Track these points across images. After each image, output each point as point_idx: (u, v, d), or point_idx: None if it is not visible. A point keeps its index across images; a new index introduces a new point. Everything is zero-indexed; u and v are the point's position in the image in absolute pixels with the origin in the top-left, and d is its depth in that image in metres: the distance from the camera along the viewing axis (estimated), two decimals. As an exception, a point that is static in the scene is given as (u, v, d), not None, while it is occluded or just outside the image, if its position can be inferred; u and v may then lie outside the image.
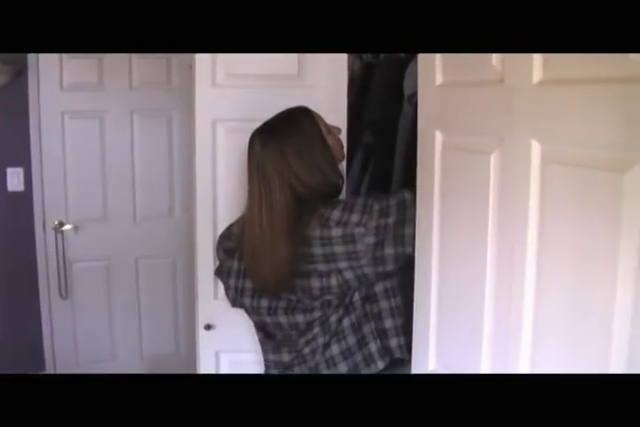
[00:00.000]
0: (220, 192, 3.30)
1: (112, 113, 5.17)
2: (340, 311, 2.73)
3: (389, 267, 2.64)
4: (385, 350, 2.78)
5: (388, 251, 2.59)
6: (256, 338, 3.00)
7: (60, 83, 5.04)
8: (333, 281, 2.66)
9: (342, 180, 2.80)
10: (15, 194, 5.07)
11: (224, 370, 3.50)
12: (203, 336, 3.46)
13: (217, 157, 3.30)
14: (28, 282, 5.19)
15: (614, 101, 1.56)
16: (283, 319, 2.79)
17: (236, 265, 2.87)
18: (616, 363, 1.61)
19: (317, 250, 2.62)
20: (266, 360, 2.95)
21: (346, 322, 2.75)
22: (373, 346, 2.77)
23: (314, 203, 2.65)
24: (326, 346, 2.75)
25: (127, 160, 5.23)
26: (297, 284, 2.69)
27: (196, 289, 3.47)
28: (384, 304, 2.77)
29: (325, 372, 2.77)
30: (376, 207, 2.58)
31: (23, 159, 5.04)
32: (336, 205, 2.62)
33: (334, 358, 2.77)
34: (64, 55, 4.96)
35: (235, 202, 3.23)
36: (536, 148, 1.84)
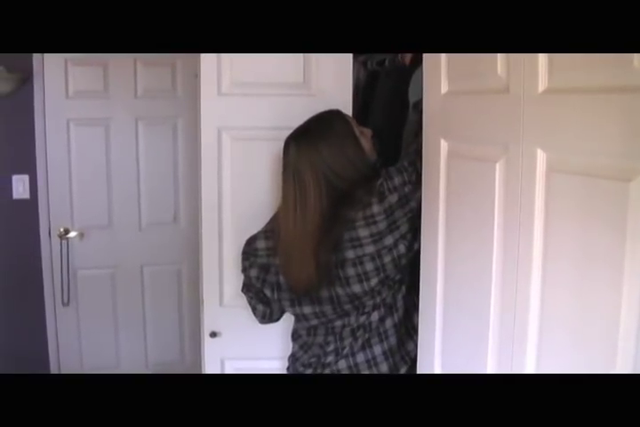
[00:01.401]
0: (226, 200, 3.31)
1: (117, 121, 5.18)
2: (383, 310, 2.81)
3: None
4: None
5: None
6: (260, 345, 3.02)
7: (65, 90, 5.05)
8: (386, 259, 2.71)
9: (377, 176, 2.79)
10: (20, 201, 5.08)
11: (229, 378, 3.50)
12: (208, 344, 3.46)
13: (222, 164, 3.29)
14: (33, 289, 5.19)
15: (619, 110, 1.56)
16: (336, 321, 2.86)
17: (274, 278, 2.91)
18: (622, 364, 1.61)
19: (383, 224, 2.68)
20: (300, 359, 3.00)
21: (389, 322, 2.83)
22: (416, 317, 2.79)
23: (357, 189, 2.73)
24: (381, 319, 2.82)
25: (132, 168, 5.24)
26: (346, 275, 2.76)
27: (201, 296, 3.47)
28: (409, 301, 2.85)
29: (377, 346, 2.83)
30: (405, 163, 2.73)
31: (28, 166, 5.05)
32: (374, 183, 2.71)
33: (376, 358, 2.82)
34: (69, 63, 4.97)
35: (240, 209, 3.24)
36: (541, 156, 1.84)
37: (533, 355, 1.94)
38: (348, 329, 2.84)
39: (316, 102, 3.19)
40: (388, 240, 2.68)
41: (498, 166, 2.02)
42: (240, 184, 3.29)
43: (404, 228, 2.68)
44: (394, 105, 3.65)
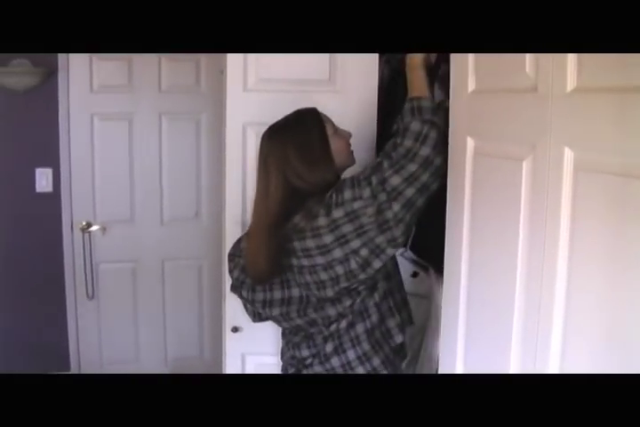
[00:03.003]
0: (249, 195, 3.31)
1: (141, 115, 5.19)
2: (351, 317, 2.79)
3: (397, 232, 2.61)
4: (403, 324, 2.90)
5: (388, 214, 2.57)
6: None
7: (89, 85, 5.06)
8: (339, 271, 2.68)
9: (336, 180, 2.78)
10: (43, 195, 5.10)
11: (249, 373, 3.51)
12: (229, 339, 3.48)
13: (246, 160, 3.32)
14: (54, 283, 5.21)
15: (649, 110, 1.56)
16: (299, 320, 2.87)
17: (249, 280, 2.94)
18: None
19: (328, 238, 2.63)
20: (285, 356, 3.04)
21: (360, 328, 2.81)
22: (392, 322, 2.85)
23: (312, 197, 2.70)
24: (351, 325, 2.80)
25: (155, 162, 5.25)
26: (305, 281, 2.77)
27: (223, 291, 3.47)
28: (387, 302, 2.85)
29: (351, 351, 2.81)
30: (361, 177, 2.59)
31: (52, 160, 5.07)
32: (329, 192, 2.64)
33: (351, 362, 2.81)
34: (94, 57, 4.99)
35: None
36: (569, 155, 1.83)
37: (557, 355, 1.93)
38: (320, 336, 2.85)
39: (342, 99, 3.20)
40: (338, 253, 2.65)
41: (524, 165, 2.02)
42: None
43: (354, 244, 2.62)
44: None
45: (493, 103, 2.22)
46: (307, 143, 2.74)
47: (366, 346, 2.80)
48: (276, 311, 2.87)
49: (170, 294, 5.44)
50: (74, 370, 5.34)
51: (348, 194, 2.58)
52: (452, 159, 2.48)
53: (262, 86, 3.26)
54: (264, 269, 2.80)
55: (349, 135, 2.90)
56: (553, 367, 1.95)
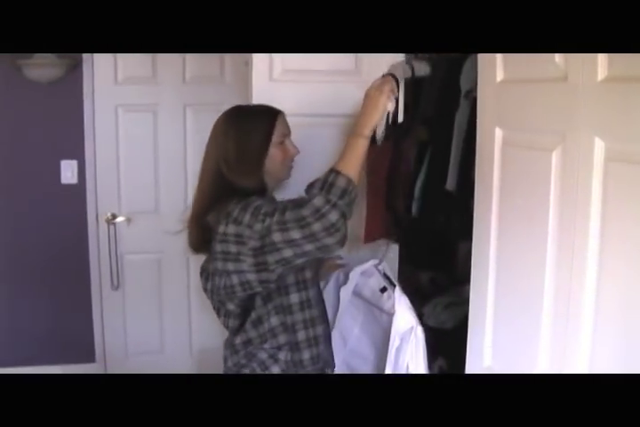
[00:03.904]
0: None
1: (165, 107, 5.18)
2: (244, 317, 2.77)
3: (272, 276, 2.58)
4: (294, 363, 2.79)
5: (270, 258, 2.51)
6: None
7: (114, 76, 5.06)
8: (222, 282, 2.69)
9: (263, 187, 2.77)
10: (69, 186, 5.11)
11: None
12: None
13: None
14: (79, 274, 5.23)
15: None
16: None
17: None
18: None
19: (217, 246, 2.63)
20: None
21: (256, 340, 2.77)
22: (306, 353, 2.80)
23: (234, 197, 2.66)
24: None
25: (179, 153, 5.23)
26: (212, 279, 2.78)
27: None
28: (298, 316, 2.78)
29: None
30: (263, 210, 2.50)
31: (77, 152, 5.08)
32: (241, 202, 2.59)
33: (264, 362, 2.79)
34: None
35: (288, 196, 3.24)
36: (599, 145, 1.82)
37: (587, 350, 1.92)
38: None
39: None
40: (219, 265, 2.66)
41: (554, 155, 2.01)
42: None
43: (230, 266, 2.62)
44: (445, 93, 3.63)
45: (522, 93, 2.20)
46: (246, 140, 2.71)
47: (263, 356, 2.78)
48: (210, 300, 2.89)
49: (195, 285, 5.42)
50: (99, 361, 5.35)
51: (247, 217, 2.52)
52: (480, 150, 2.47)
53: (288, 77, 3.26)
54: (195, 242, 2.85)
55: (296, 151, 2.85)
56: (581, 363, 1.94)
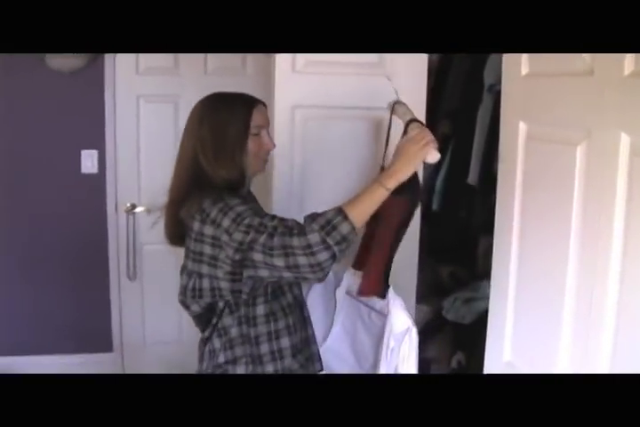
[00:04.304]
0: (297, 178, 3.31)
1: (186, 98, 5.13)
2: (210, 330, 2.69)
3: (245, 287, 2.53)
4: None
5: (245, 272, 2.46)
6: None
7: (135, 67, 5.05)
8: (190, 283, 2.63)
9: (240, 179, 2.68)
10: (89, 176, 5.12)
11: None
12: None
13: (295, 142, 3.31)
14: (98, 264, 5.23)
15: None
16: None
17: None
18: None
19: (192, 244, 2.59)
20: None
21: (217, 343, 2.69)
22: (274, 365, 2.69)
23: (205, 191, 2.59)
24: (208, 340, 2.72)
25: (200, 145, 5.22)
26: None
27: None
28: (262, 328, 2.67)
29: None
30: (247, 221, 2.41)
31: (97, 142, 5.08)
32: (218, 202, 2.51)
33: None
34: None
35: (311, 188, 3.24)
36: (625, 140, 1.81)
37: (608, 349, 1.91)
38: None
39: (391, 82, 3.17)
40: (190, 265, 2.62)
41: (579, 150, 1.99)
42: (312, 162, 3.30)
43: (204, 268, 2.56)
44: (468, 86, 3.63)
45: (547, 87, 2.19)
46: (222, 130, 2.62)
47: (222, 358, 2.70)
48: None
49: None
50: (116, 351, 5.36)
51: (226, 222, 2.44)
52: (503, 144, 2.45)
53: (311, 69, 3.25)
54: (172, 235, 2.80)
55: (272, 145, 2.75)
56: (603, 361, 1.93)
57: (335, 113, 3.16)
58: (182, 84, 5.12)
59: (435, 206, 3.90)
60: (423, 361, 3.89)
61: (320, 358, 2.90)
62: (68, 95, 4.99)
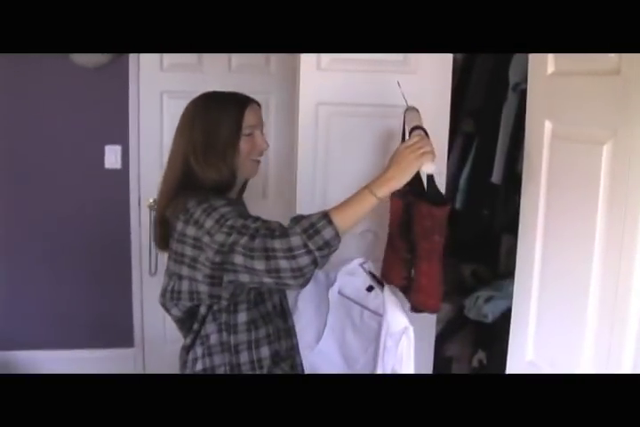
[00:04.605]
0: (321, 175, 3.31)
1: (210, 94, 5.18)
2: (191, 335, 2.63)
3: (224, 293, 2.46)
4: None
5: (225, 276, 2.38)
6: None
7: (160, 63, 5.06)
8: (170, 285, 2.57)
9: (230, 181, 2.64)
10: (112, 171, 5.13)
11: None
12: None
13: (319, 140, 3.30)
14: (120, 259, 5.25)
15: None
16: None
17: None
18: None
19: (174, 245, 2.52)
20: None
21: (199, 351, 2.62)
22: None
23: (191, 191, 2.53)
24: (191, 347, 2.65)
25: (223, 142, 5.23)
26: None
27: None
28: (242, 337, 2.58)
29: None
30: (230, 222, 2.33)
31: (121, 137, 5.09)
32: (203, 203, 2.44)
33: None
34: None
35: (334, 185, 3.24)
36: (651, 139, 1.81)
37: (632, 349, 1.90)
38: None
39: (416, 80, 3.17)
40: (171, 266, 2.56)
41: (605, 149, 1.98)
42: (336, 160, 3.29)
43: (184, 270, 2.49)
44: (493, 85, 3.62)
45: (573, 86, 2.18)
46: (213, 130, 2.57)
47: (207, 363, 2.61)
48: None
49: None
50: (137, 346, 5.38)
51: (209, 223, 2.36)
52: (528, 143, 2.45)
53: (336, 66, 3.24)
54: (158, 238, 2.72)
55: (265, 146, 2.70)
56: (626, 366, 1.92)
57: (359, 110, 3.15)
58: (206, 81, 5.09)
59: (458, 205, 3.90)
60: (444, 360, 3.91)
61: (303, 369, 2.83)
62: (93, 91, 5.00)
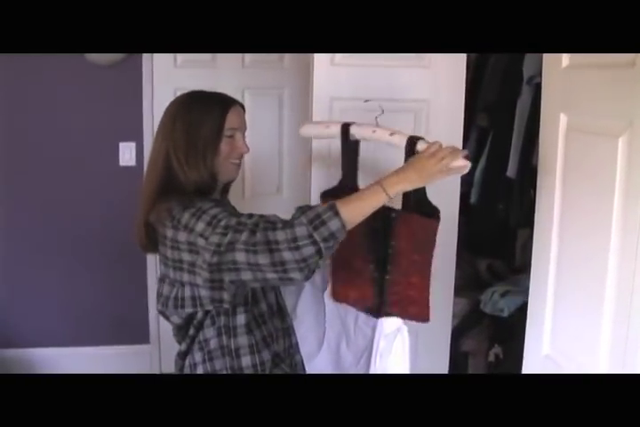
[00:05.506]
0: (334, 169, 3.29)
1: (224, 90, 5.04)
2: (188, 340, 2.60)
3: (226, 295, 2.40)
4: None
5: (227, 276, 2.32)
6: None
7: (173, 60, 5.06)
8: (173, 292, 2.51)
9: (211, 183, 2.56)
10: (126, 168, 5.12)
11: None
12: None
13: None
14: (136, 255, 5.24)
15: None
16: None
17: None
18: None
19: (168, 252, 2.47)
20: None
21: (198, 356, 2.59)
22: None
23: (174, 195, 2.47)
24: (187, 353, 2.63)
25: (237, 137, 5.23)
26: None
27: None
28: (242, 340, 2.54)
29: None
30: (223, 222, 2.29)
31: (135, 134, 5.09)
32: (189, 208, 2.38)
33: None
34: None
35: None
36: (667, 131, 1.80)
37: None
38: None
39: (430, 74, 3.17)
40: (171, 274, 2.49)
41: (620, 141, 1.98)
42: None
43: (185, 277, 2.43)
44: (507, 79, 3.61)
45: (589, 78, 2.18)
46: (194, 131, 2.50)
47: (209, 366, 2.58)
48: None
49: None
50: (153, 343, 5.38)
51: (200, 226, 2.32)
52: (543, 136, 2.44)
53: (350, 61, 3.24)
54: (144, 241, 2.66)
55: (245, 149, 2.63)
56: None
57: (373, 106, 3.16)
58: (219, 78, 5.12)
59: (473, 200, 3.89)
60: (460, 355, 3.90)
61: (304, 367, 2.82)
62: (107, 88, 5.00)
